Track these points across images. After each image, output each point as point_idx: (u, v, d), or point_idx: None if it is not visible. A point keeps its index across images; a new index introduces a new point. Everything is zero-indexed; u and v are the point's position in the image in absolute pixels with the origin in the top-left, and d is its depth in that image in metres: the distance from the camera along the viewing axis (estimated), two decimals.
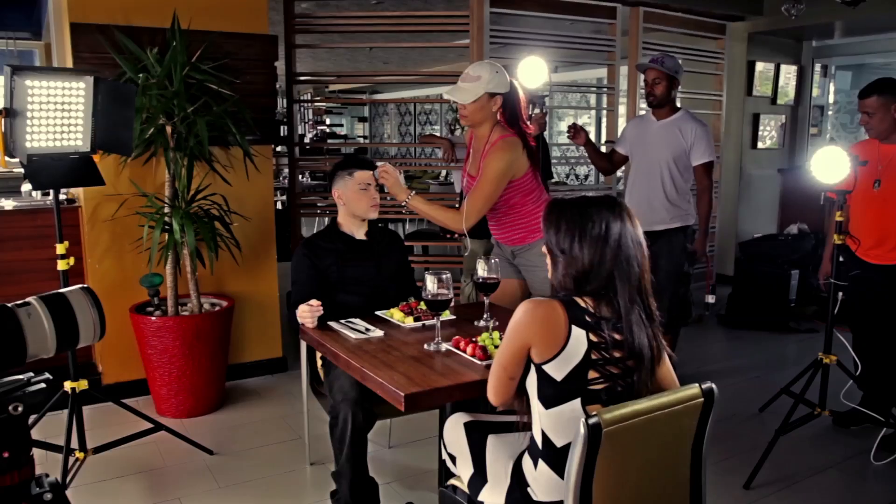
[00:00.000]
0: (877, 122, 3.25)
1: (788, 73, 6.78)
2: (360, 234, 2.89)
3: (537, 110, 3.45)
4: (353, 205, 2.82)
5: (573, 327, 1.65)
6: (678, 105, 3.94)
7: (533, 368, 1.70)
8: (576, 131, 3.77)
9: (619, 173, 5.06)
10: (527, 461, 1.80)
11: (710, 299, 4.77)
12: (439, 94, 13.23)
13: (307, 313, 2.53)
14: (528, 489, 1.76)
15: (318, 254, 2.80)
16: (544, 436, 1.72)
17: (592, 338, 1.65)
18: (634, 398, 1.63)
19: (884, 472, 3.13)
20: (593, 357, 1.65)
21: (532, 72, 3.31)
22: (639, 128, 4.01)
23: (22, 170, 2.76)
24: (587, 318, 1.66)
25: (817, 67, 7.18)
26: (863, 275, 3.37)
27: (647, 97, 3.86)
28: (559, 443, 1.69)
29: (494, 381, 1.81)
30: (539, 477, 1.74)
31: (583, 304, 1.69)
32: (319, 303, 2.55)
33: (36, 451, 1.31)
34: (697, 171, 3.84)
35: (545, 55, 3.49)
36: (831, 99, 7.48)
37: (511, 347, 1.73)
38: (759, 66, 6.51)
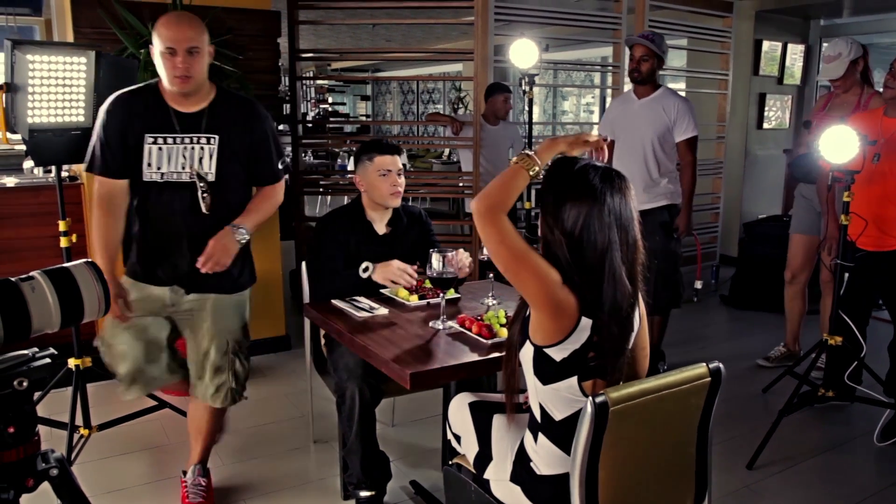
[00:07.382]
0: None
1: (795, 52, 6.70)
2: (381, 224, 2.79)
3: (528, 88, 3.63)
4: (373, 191, 2.73)
5: (582, 318, 1.61)
6: (659, 84, 3.85)
7: (532, 347, 1.67)
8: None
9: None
10: (527, 436, 1.79)
11: (698, 284, 4.69)
12: (442, 72, 13.15)
13: (406, 276, 2.53)
14: (531, 464, 1.76)
15: (341, 230, 2.74)
16: (542, 409, 1.71)
17: (597, 323, 1.61)
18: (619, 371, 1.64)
19: (886, 454, 3.13)
20: (594, 340, 1.62)
21: (523, 53, 3.35)
22: (621, 107, 3.95)
23: (24, 147, 2.74)
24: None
25: (825, 47, 7.09)
26: (867, 262, 3.24)
27: (632, 73, 3.77)
28: (558, 416, 1.68)
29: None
30: (540, 450, 1.74)
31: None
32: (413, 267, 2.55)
33: (41, 428, 1.31)
34: (681, 146, 3.78)
35: (550, 33, 3.48)
36: None
37: (535, 267, 1.61)
38: (766, 45, 6.44)
